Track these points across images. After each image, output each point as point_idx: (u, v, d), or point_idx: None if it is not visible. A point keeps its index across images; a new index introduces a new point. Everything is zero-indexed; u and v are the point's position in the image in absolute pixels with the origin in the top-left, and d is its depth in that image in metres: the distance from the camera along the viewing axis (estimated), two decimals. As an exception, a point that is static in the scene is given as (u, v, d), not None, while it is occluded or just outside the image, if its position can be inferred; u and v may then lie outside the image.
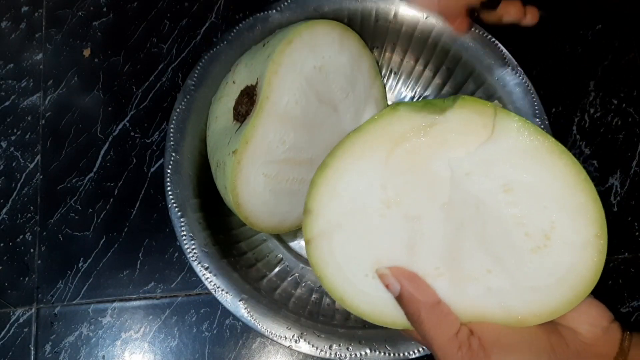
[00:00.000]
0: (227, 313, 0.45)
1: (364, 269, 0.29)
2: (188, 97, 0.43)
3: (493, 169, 0.28)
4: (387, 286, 0.28)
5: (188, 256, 0.40)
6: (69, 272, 0.47)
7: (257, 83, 0.39)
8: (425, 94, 0.48)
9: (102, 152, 0.50)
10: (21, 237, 0.48)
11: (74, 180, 0.49)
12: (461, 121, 0.29)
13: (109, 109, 0.51)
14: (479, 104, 0.29)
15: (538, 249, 0.28)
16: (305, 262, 0.45)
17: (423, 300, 0.27)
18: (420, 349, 0.38)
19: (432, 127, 0.29)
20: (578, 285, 0.27)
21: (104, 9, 0.53)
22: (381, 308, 0.29)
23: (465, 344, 0.26)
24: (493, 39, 0.42)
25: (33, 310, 0.47)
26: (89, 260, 0.47)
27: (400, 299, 0.27)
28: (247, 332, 0.45)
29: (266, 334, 0.39)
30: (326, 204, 0.30)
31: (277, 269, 0.44)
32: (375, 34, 0.46)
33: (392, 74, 0.48)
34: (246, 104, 0.39)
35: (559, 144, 0.28)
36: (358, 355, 0.38)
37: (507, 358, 0.26)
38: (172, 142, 0.42)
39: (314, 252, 0.30)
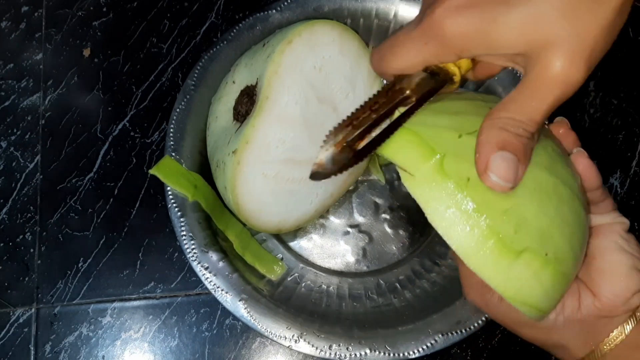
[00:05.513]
0: (227, 313, 0.45)
1: None
2: (188, 97, 0.43)
3: None
4: None
5: (188, 256, 0.40)
6: (69, 272, 0.47)
7: (257, 83, 0.39)
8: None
9: (102, 152, 0.50)
10: (21, 237, 0.48)
11: (73, 180, 0.49)
12: None
13: (109, 109, 0.51)
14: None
15: None
16: (305, 262, 0.45)
17: None
18: (420, 349, 0.38)
19: None
20: None
21: (104, 9, 0.53)
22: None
23: None
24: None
25: (33, 310, 0.47)
26: (89, 260, 0.47)
27: None
28: (247, 332, 0.45)
29: (266, 334, 0.39)
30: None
31: (277, 269, 0.44)
32: (375, 34, 0.46)
33: (392, 74, 0.48)
34: (246, 104, 0.39)
35: None
36: (358, 355, 0.38)
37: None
38: (172, 142, 0.42)
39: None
